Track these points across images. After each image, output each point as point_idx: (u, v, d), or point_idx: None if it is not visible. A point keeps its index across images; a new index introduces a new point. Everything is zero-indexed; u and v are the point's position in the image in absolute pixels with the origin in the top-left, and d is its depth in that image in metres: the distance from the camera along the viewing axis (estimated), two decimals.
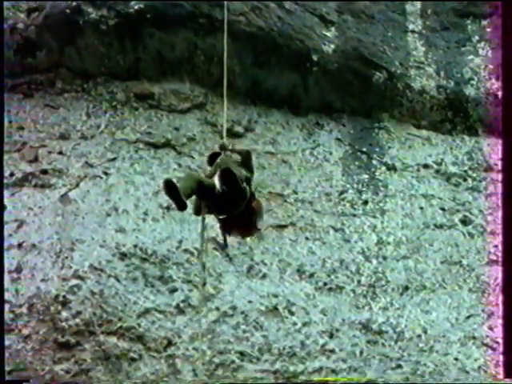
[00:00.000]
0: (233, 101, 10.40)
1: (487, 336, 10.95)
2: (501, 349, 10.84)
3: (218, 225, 7.70)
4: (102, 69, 10.69)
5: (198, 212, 7.73)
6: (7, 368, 9.62)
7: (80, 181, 10.42)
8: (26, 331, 9.82)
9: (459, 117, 11.80)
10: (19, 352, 9.74)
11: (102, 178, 10.47)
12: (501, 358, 10.81)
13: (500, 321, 10.95)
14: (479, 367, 10.80)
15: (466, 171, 11.56)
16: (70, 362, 9.87)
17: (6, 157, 10.08)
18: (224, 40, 8.21)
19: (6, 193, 10.05)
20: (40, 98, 10.52)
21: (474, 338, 10.89)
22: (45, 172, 10.36)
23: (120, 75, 10.77)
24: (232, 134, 10.58)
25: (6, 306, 9.76)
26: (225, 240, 7.80)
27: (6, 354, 9.62)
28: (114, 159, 10.57)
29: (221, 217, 7.51)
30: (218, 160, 7.57)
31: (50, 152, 10.41)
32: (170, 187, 7.05)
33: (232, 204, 7.39)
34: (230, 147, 7.81)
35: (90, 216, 10.30)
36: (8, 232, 9.95)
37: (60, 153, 10.44)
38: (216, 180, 7.28)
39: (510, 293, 10.88)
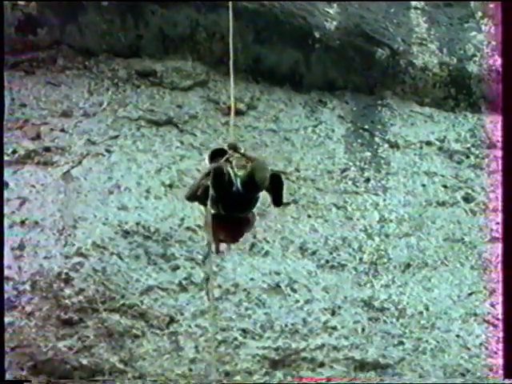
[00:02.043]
0: (234, 78, 10.30)
1: (489, 313, 10.97)
2: (501, 326, 10.86)
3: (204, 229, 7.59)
4: (104, 46, 10.67)
5: (191, 198, 7.64)
6: (11, 344, 9.71)
7: (82, 158, 10.42)
8: (29, 308, 9.85)
9: (462, 94, 11.75)
10: (22, 329, 9.78)
11: (104, 155, 10.48)
12: (501, 334, 10.84)
13: (501, 298, 10.97)
14: (480, 344, 10.83)
15: (468, 148, 11.53)
16: (73, 338, 9.92)
17: (8, 134, 10.08)
18: (230, 22, 8.01)
19: (9, 170, 10.05)
20: (42, 76, 10.50)
21: (475, 314, 10.91)
22: (47, 149, 10.35)
23: (121, 52, 10.75)
24: (234, 112, 10.49)
25: (9, 283, 9.82)
26: (216, 246, 7.58)
27: (10, 331, 9.71)
28: (116, 137, 10.57)
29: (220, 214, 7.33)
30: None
31: (52, 129, 10.39)
32: (218, 174, 6.97)
33: (246, 206, 7.31)
34: (240, 149, 7.60)
35: (92, 194, 10.30)
36: (10, 209, 9.98)
37: (62, 130, 10.43)
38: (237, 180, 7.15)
39: (510, 270, 10.89)
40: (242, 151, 7.56)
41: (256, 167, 7.18)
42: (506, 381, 10.54)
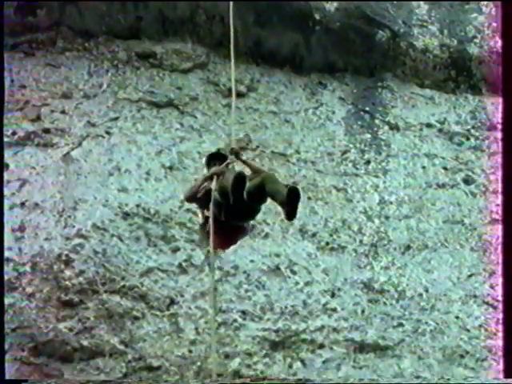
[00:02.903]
0: (235, 60, 10.30)
1: (488, 294, 10.99)
2: (501, 307, 10.88)
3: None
4: (103, 28, 10.64)
5: (189, 199, 7.57)
6: (12, 325, 9.74)
7: (82, 140, 10.41)
8: (29, 289, 9.88)
9: (462, 75, 11.73)
10: (23, 310, 9.80)
11: (104, 137, 10.47)
12: (501, 316, 10.86)
13: (501, 279, 10.99)
14: (480, 325, 10.85)
15: (468, 130, 11.51)
16: (73, 320, 9.95)
17: (8, 115, 10.07)
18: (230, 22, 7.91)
19: (9, 152, 10.05)
20: (41, 57, 10.47)
21: (475, 296, 10.93)
22: (47, 131, 10.34)
23: (121, 34, 10.72)
24: (235, 94, 10.52)
25: (10, 265, 9.83)
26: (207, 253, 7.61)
27: (10, 312, 9.74)
28: (116, 118, 10.56)
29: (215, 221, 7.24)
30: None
31: (52, 111, 10.38)
32: (239, 180, 6.86)
33: (249, 216, 7.29)
34: (242, 156, 7.50)
35: (92, 175, 10.30)
36: (11, 191, 9.99)
37: (62, 112, 10.42)
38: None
39: (509, 251, 10.90)
40: (244, 158, 7.48)
41: (267, 179, 7.03)
42: (506, 381, 10.55)
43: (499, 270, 11.01)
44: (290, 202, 6.85)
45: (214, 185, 7.24)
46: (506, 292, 10.86)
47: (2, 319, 9.30)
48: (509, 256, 10.93)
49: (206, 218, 7.33)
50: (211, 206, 7.16)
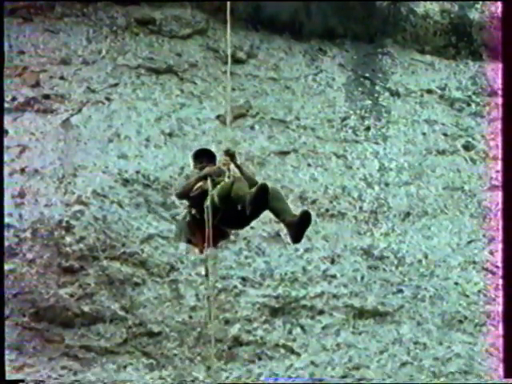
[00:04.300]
0: (234, 26, 10.17)
1: (487, 260, 11.03)
2: (500, 273, 10.93)
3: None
4: None
5: (181, 196, 7.38)
6: (12, 291, 9.77)
7: (82, 106, 10.38)
8: (30, 255, 9.90)
9: (463, 41, 11.67)
10: (24, 276, 9.83)
11: (104, 103, 10.44)
12: (500, 281, 10.91)
13: (500, 245, 11.02)
14: (479, 291, 10.90)
15: (469, 96, 11.46)
16: (74, 286, 9.98)
17: (7, 81, 10.03)
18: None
19: (8, 117, 10.01)
20: (40, 23, 10.39)
21: (474, 262, 10.97)
22: (47, 97, 10.29)
23: (120, 0, 10.64)
24: (234, 60, 10.47)
25: (10, 231, 9.85)
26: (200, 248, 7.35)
27: (11, 278, 9.78)
28: (115, 85, 10.51)
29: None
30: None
31: (51, 77, 10.32)
32: (265, 191, 6.61)
33: (245, 224, 7.11)
34: (237, 160, 7.24)
35: (92, 142, 10.29)
36: (10, 157, 9.98)
37: (61, 78, 10.36)
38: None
39: (509, 217, 10.91)
40: (239, 162, 7.27)
41: (273, 194, 6.72)
42: (506, 381, 10.59)
43: (499, 236, 11.03)
44: (301, 226, 6.66)
45: (209, 186, 7.05)
46: (505, 258, 10.91)
47: (3, 361, 9.35)
48: (508, 222, 10.96)
49: (193, 217, 7.17)
50: (206, 207, 6.97)
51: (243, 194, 6.69)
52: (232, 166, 7.21)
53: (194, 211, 7.17)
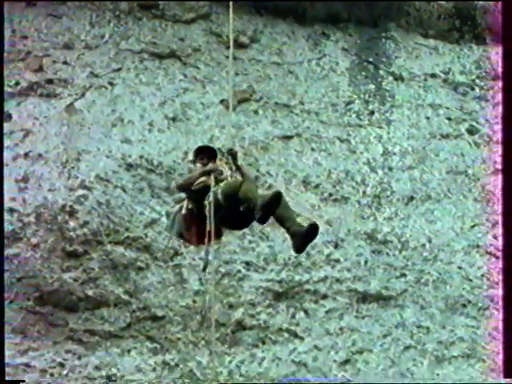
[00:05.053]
0: (238, 11, 10.23)
1: (491, 245, 11.02)
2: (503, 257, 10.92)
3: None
4: None
5: (182, 188, 7.31)
6: (17, 275, 9.80)
7: (85, 91, 10.36)
8: (34, 240, 9.91)
9: (467, 25, 11.61)
10: (28, 260, 9.85)
11: (107, 88, 10.42)
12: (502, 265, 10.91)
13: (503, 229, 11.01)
14: (482, 275, 10.90)
15: (473, 80, 11.42)
16: (78, 270, 10.00)
17: (10, 66, 10.02)
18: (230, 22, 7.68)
19: (12, 102, 10.02)
20: (42, 7, 10.35)
21: (477, 246, 10.96)
22: (50, 81, 10.28)
23: None
24: (237, 45, 10.48)
25: (14, 215, 9.86)
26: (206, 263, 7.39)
27: (15, 262, 9.79)
28: (119, 69, 10.49)
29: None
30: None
31: (54, 61, 10.31)
32: (279, 199, 6.58)
33: (244, 226, 7.13)
34: (238, 161, 7.15)
35: (95, 126, 10.28)
36: (14, 142, 9.99)
37: (65, 62, 10.34)
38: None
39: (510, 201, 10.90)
40: (239, 163, 7.19)
41: (283, 203, 6.69)
42: (506, 381, 10.59)
43: (502, 220, 11.01)
44: (307, 237, 6.62)
45: (212, 182, 7.03)
46: (508, 242, 10.89)
47: (3, 361, 9.33)
48: (508, 206, 10.92)
49: (190, 210, 7.14)
50: (208, 203, 6.94)
51: (253, 197, 6.64)
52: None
53: (191, 205, 7.14)
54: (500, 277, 10.84)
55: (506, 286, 10.67)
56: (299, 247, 6.73)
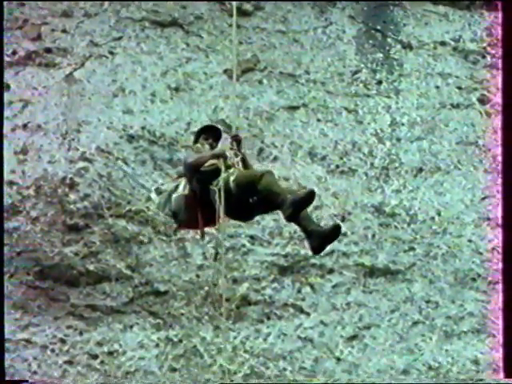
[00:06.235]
0: None
1: (502, 217, 10.85)
2: None
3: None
4: None
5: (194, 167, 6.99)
6: (17, 249, 9.74)
7: (85, 60, 10.21)
8: (33, 213, 9.85)
9: None
10: (28, 234, 9.79)
11: (107, 57, 10.27)
12: None
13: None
14: (493, 248, 10.72)
15: (484, 48, 11.13)
16: (79, 244, 9.95)
17: (7, 34, 9.87)
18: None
19: (10, 72, 9.88)
20: None
21: (488, 219, 10.76)
22: (49, 50, 10.12)
23: None
24: (241, 13, 10.26)
25: (13, 188, 9.78)
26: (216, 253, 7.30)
27: (15, 236, 9.73)
28: (119, 38, 10.32)
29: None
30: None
31: (53, 30, 10.14)
32: (312, 197, 6.30)
33: (248, 216, 6.86)
34: (242, 148, 6.92)
35: (96, 97, 10.15)
36: (13, 112, 9.86)
37: (64, 31, 10.18)
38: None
39: None
40: (243, 151, 6.94)
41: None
42: (506, 381, 10.45)
43: None
44: (328, 238, 6.29)
45: (222, 167, 6.71)
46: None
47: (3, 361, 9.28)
48: None
49: (193, 192, 6.81)
50: (217, 188, 6.62)
51: (280, 192, 6.34)
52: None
53: (193, 187, 6.84)
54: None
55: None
56: (317, 248, 6.38)
